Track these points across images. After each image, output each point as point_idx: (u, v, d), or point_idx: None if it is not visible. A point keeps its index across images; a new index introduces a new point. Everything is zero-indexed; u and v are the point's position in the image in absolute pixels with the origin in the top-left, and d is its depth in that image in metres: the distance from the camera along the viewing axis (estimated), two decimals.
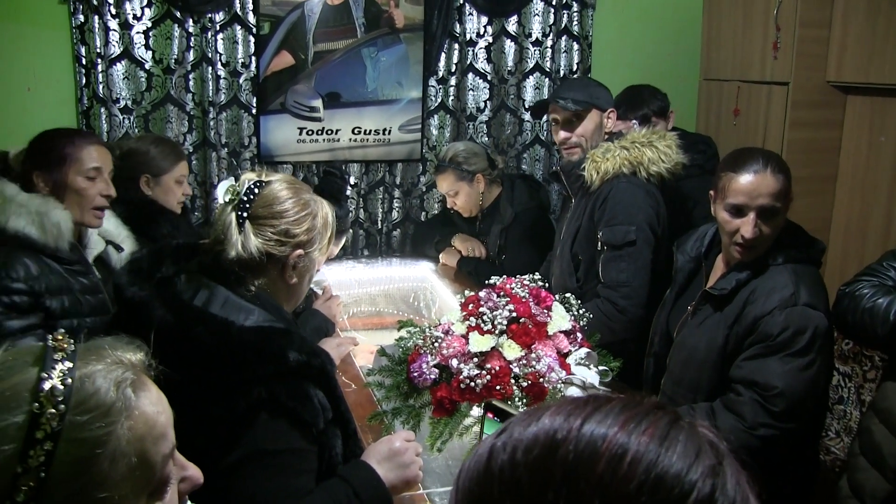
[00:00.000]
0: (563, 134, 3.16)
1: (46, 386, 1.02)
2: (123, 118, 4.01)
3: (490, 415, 1.96)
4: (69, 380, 1.04)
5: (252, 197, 1.81)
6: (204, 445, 1.48)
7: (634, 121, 3.46)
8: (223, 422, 1.66)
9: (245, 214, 1.79)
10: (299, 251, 1.84)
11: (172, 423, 1.17)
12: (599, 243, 3.03)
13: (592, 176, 3.03)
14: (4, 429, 1.00)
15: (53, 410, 1.01)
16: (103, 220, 2.73)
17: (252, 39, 4.13)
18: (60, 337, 1.10)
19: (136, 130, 4.01)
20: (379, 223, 4.58)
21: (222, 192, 1.83)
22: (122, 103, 4.00)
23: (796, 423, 2.29)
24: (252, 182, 1.83)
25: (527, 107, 4.54)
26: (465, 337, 2.33)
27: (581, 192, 3.16)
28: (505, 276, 2.53)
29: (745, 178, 2.32)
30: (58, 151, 2.58)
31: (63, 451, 1.01)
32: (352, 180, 4.43)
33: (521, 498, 0.72)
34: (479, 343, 2.29)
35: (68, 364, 1.06)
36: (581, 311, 2.55)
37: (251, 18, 4.10)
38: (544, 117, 4.52)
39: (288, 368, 1.69)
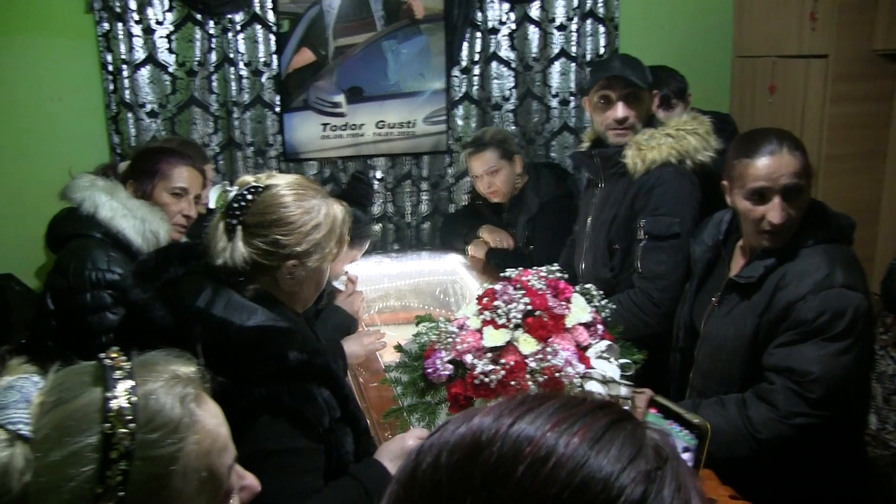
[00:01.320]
0: (622, 111, 2.95)
1: (114, 405, 1.02)
2: (150, 122, 4.04)
3: (653, 410, 1.91)
4: (133, 398, 1.04)
5: (244, 203, 1.77)
6: None
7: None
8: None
9: (235, 222, 1.76)
10: (292, 262, 1.79)
11: (230, 434, 1.18)
12: (641, 232, 2.92)
13: (636, 163, 2.91)
14: (80, 451, 0.99)
15: (124, 430, 1.01)
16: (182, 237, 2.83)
17: (272, 38, 4.13)
18: (115, 354, 1.10)
19: (163, 133, 4.05)
20: (407, 217, 4.56)
21: (213, 197, 1.80)
22: (149, 107, 4.04)
23: (834, 411, 2.18)
24: (246, 188, 1.79)
25: (583, 85, 4.47)
26: (480, 331, 2.29)
27: (615, 177, 3.05)
28: (521, 268, 2.48)
29: (763, 161, 2.22)
30: (152, 165, 2.73)
31: (138, 469, 1.01)
32: (378, 174, 4.42)
33: (440, 503, 0.68)
34: (493, 338, 2.24)
35: (129, 382, 1.06)
36: (603, 303, 2.49)
37: (270, 17, 4.10)
38: (572, 102, 4.48)
39: (288, 368, 1.67)
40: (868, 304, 2.22)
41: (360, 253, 3.07)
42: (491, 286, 2.43)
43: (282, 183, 1.83)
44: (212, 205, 1.82)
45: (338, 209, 1.90)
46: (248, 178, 1.83)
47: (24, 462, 0.98)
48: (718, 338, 2.42)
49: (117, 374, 1.06)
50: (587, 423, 0.69)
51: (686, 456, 1.77)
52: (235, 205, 1.77)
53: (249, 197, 1.78)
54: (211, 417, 1.13)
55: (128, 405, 1.03)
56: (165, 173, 2.71)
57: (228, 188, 1.82)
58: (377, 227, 4.49)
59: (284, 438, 1.70)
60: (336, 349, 2.48)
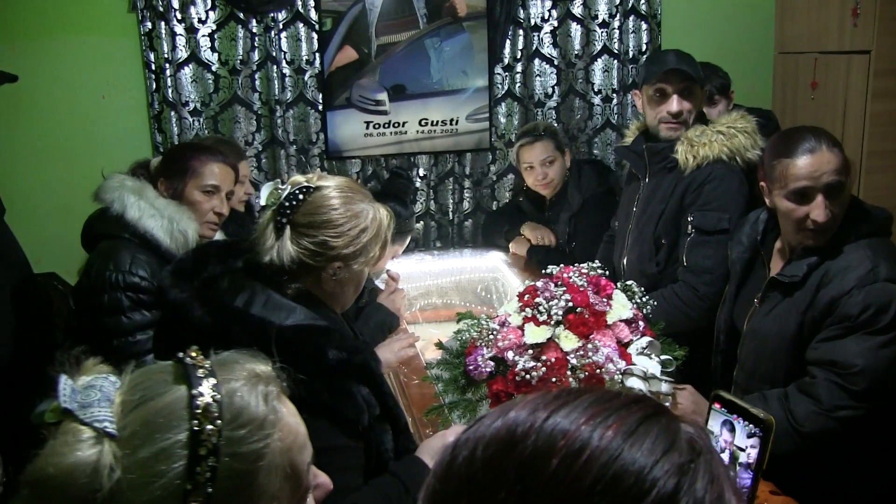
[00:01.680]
0: (677, 104, 2.97)
1: (200, 402, 1.03)
2: (193, 120, 4.08)
3: (717, 405, 1.90)
4: (218, 395, 1.05)
5: (295, 203, 1.78)
6: None
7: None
8: None
9: (284, 220, 1.78)
10: (338, 263, 1.81)
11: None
12: (689, 227, 2.92)
13: (688, 159, 2.92)
14: (170, 447, 1.00)
15: (211, 427, 1.01)
16: (215, 235, 2.83)
17: (315, 36, 4.15)
18: (195, 353, 1.11)
19: (206, 132, 4.08)
20: (450, 214, 4.56)
21: (265, 195, 1.81)
22: (192, 106, 4.07)
23: (877, 403, 2.17)
24: (298, 187, 1.80)
25: (626, 82, 4.48)
26: (521, 328, 2.29)
27: (662, 172, 3.04)
28: (562, 265, 2.47)
29: (804, 161, 2.20)
30: (183, 163, 2.71)
31: (225, 465, 1.01)
32: (421, 172, 4.43)
33: (475, 496, 0.69)
34: (534, 334, 2.24)
35: (212, 380, 1.06)
36: (644, 299, 2.47)
37: (313, 15, 4.13)
38: (615, 99, 4.46)
39: (327, 367, 1.67)
40: None
41: (401, 248, 3.07)
42: (532, 283, 2.43)
43: (332, 185, 1.84)
44: (263, 202, 1.83)
45: (383, 213, 1.91)
46: (300, 178, 1.84)
47: (114, 459, 0.98)
48: (761, 336, 2.40)
49: (200, 372, 1.07)
50: (621, 416, 0.69)
51: (752, 450, 1.75)
52: (287, 203, 1.78)
53: (301, 197, 1.79)
54: (291, 415, 1.14)
55: (214, 402, 1.03)
56: (197, 171, 2.70)
57: (280, 187, 1.83)
58: (419, 225, 4.50)
59: (324, 437, 1.69)
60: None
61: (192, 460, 1.00)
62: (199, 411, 1.02)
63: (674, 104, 2.97)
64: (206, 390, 1.04)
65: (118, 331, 2.52)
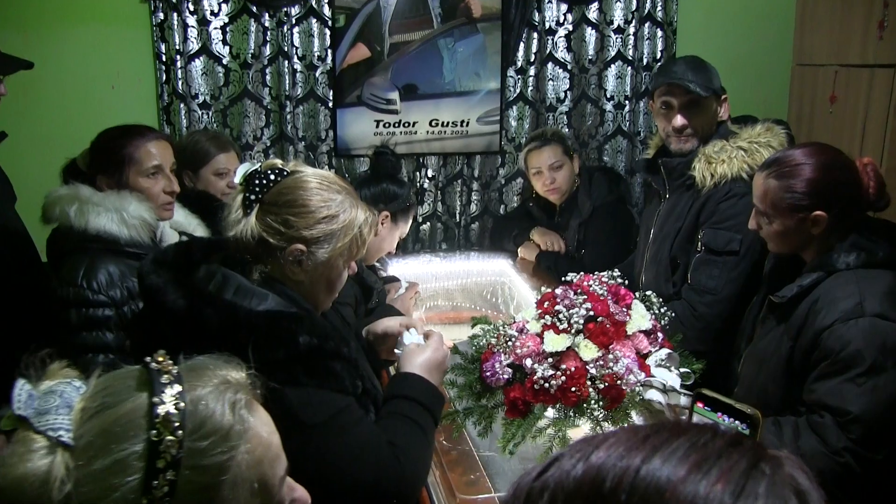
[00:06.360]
0: (680, 121, 2.86)
1: (161, 411, 0.98)
2: (202, 113, 4.04)
3: (700, 404, 1.87)
4: (182, 404, 1.00)
5: (266, 182, 1.77)
6: None
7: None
8: None
9: (253, 198, 1.76)
10: (299, 246, 1.76)
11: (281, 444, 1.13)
12: (699, 244, 2.85)
13: (706, 178, 2.81)
14: (125, 459, 0.96)
15: (172, 437, 0.97)
16: (173, 213, 2.73)
17: (328, 32, 4.11)
18: (162, 358, 1.06)
19: (215, 125, 4.04)
20: (457, 216, 4.52)
21: (240, 173, 1.79)
22: (201, 99, 4.03)
23: (881, 450, 2.08)
24: (271, 169, 1.79)
25: (639, 89, 4.43)
26: (540, 336, 2.24)
27: (680, 189, 2.96)
28: (582, 273, 2.42)
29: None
30: (117, 153, 2.56)
31: (186, 479, 0.97)
32: (430, 173, 4.39)
33: None
34: (554, 342, 2.20)
35: (177, 387, 1.02)
36: (662, 311, 2.43)
37: (327, 11, 4.08)
38: (627, 106, 4.42)
39: (299, 352, 1.66)
40: None
41: (406, 227, 3.02)
42: (549, 290, 2.39)
43: (308, 171, 1.83)
44: (237, 180, 1.80)
45: (361, 212, 1.87)
46: (276, 162, 1.83)
47: (66, 470, 0.94)
48: (759, 355, 2.37)
49: (164, 378, 1.02)
50: (724, 468, 0.62)
51: None
52: (257, 181, 1.77)
53: (272, 177, 1.78)
54: (263, 425, 1.09)
55: (175, 411, 0.99)
56: (134, 157, 2.55)
57: (256, 166, 1.81)
58: (426, 226, 4.46)
59: (320, 410, 1.68)
60: (349, 333, 2.43)
61: (148, 473, 0.95)
62: (158, 420, 0.97)
63: (678, 119, 2.87)
64: (169, 398, 1.00)
65: (73, 348, 2.37)
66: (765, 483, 0.62)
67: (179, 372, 1.05)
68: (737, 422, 1.82)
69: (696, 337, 2.73)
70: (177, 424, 0.98)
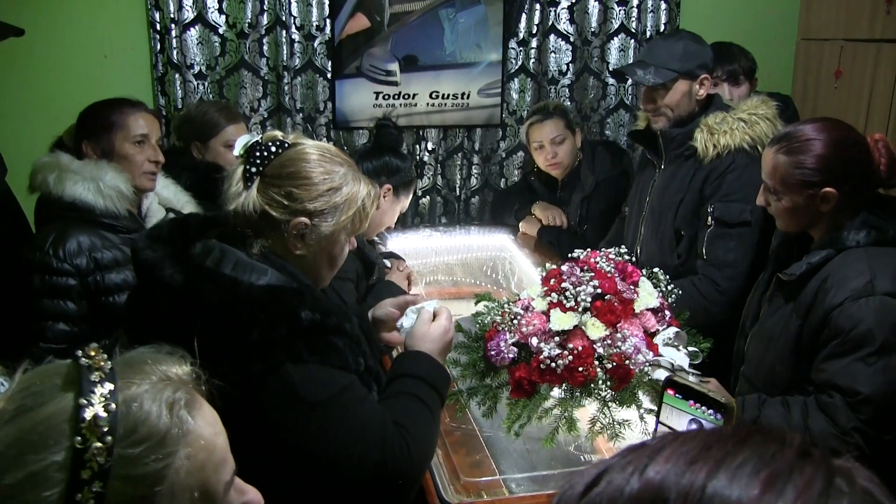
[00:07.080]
0: (644, 101, 2.97)
1: (87, 414, 0.88)
2: (198, 84, 3.96)
3: (671, 391, 1.82)
4: (112, 405, 0.90)
5: (267, 154, 1.72)
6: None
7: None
8: (240, 385, 1.54)
9: (254, 170, 1.71)
10: (302, 219, 1.72)
11: (228, 444, 1.03)
12: (709, 218, 2.83)
13: (708, 149, 2.82)
14: (43, 471, 0.86)
15: (99, 444, 0.87)
16: (162, 188, 2.72)
17: (326, 2, 4.02)
18: (94, 353, 0.95)
19: (211, 96, 3.96)
20: (457, 190, 4.46)
21: (240, 145, 1.73)
22: (197, 69, 3.95)
23: (894, 434, 2.05)
24: (272, 141, 1.74)
25: (610, 70, 4.36)
26: (546, 314, 2.20)
27: (679, 160, 2.95)
28: (588, 249, 2.38)
29: None
30: (105, 119, 2.58)
31: (116, 491, 0.87)
32: (429, 146, 4.33)
33: None
34: (560, 321, 2.15)
35: (109, 386, 0.91)
36: (670, 288, 2.39)
37: None
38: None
39: (301, 328, 1.61)
40: None
41: (407, 201, 2.98)
42: (556, 266, 2.34)
43: (310, 143, 1.79)
44: (236, 152, 1.75)
45: (363, 185, 1.82)
46: (277, 133, 1.78)
47: None
48: (767, 335, 2.33)
49: (95, 375, 0.92)
50: (799, 486, 0.56)
51: None
52: (258, 153, 1.72)
53: (273, 149, 1.73)
54: (206, 426, 0.98)
55: (105, 414, 0.88)
56: (121, 123, 2.57)
57: (256, 138, 1.76)
58: (425, 200, 4.41)
59: (323, 388, 1.63)
60: (355, 310, 2.39)
61: (71, 486, 0.85)
62: (84, 425, 0.87)
63: (643, 100, 2.97)
64: (98, 399, 0.89)
65: (31, 314, 2.38)
66: (847, 499, 0.56)
67: (113, 368, 0.94)
68: (710, 411, 1.80)
69: (720, 311, 2.77)
70: (106, 429, 0.88)
